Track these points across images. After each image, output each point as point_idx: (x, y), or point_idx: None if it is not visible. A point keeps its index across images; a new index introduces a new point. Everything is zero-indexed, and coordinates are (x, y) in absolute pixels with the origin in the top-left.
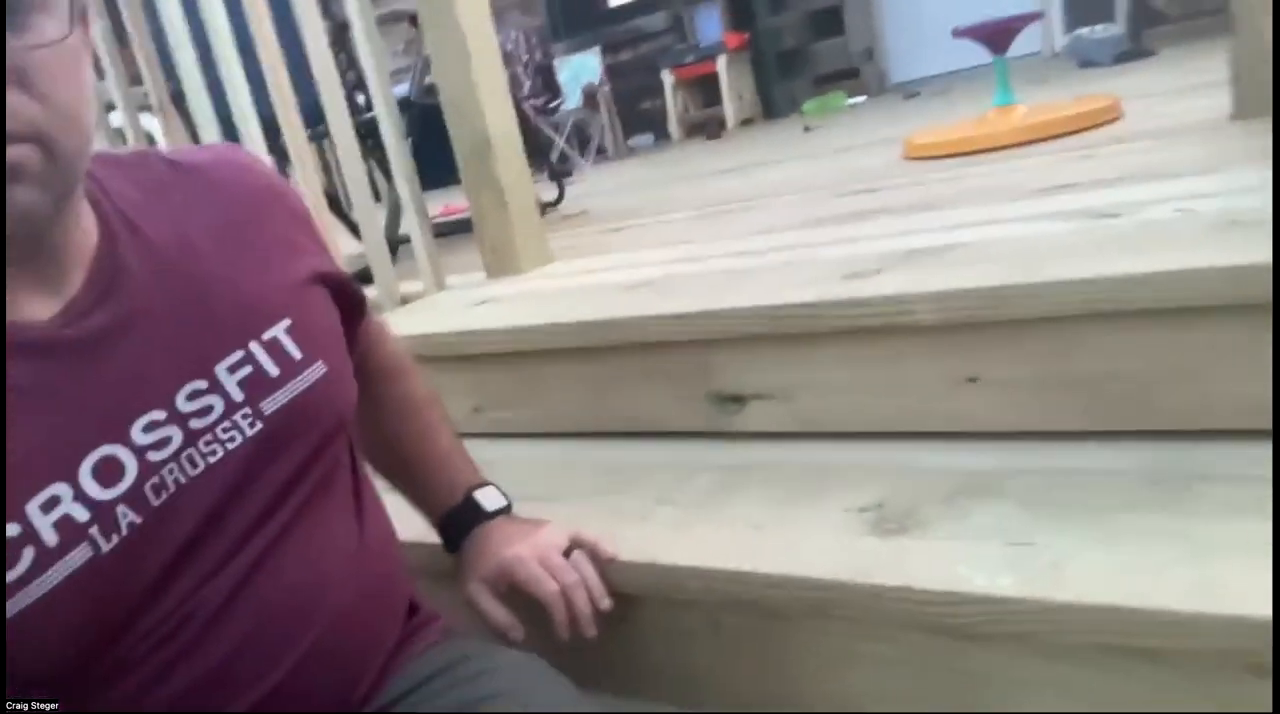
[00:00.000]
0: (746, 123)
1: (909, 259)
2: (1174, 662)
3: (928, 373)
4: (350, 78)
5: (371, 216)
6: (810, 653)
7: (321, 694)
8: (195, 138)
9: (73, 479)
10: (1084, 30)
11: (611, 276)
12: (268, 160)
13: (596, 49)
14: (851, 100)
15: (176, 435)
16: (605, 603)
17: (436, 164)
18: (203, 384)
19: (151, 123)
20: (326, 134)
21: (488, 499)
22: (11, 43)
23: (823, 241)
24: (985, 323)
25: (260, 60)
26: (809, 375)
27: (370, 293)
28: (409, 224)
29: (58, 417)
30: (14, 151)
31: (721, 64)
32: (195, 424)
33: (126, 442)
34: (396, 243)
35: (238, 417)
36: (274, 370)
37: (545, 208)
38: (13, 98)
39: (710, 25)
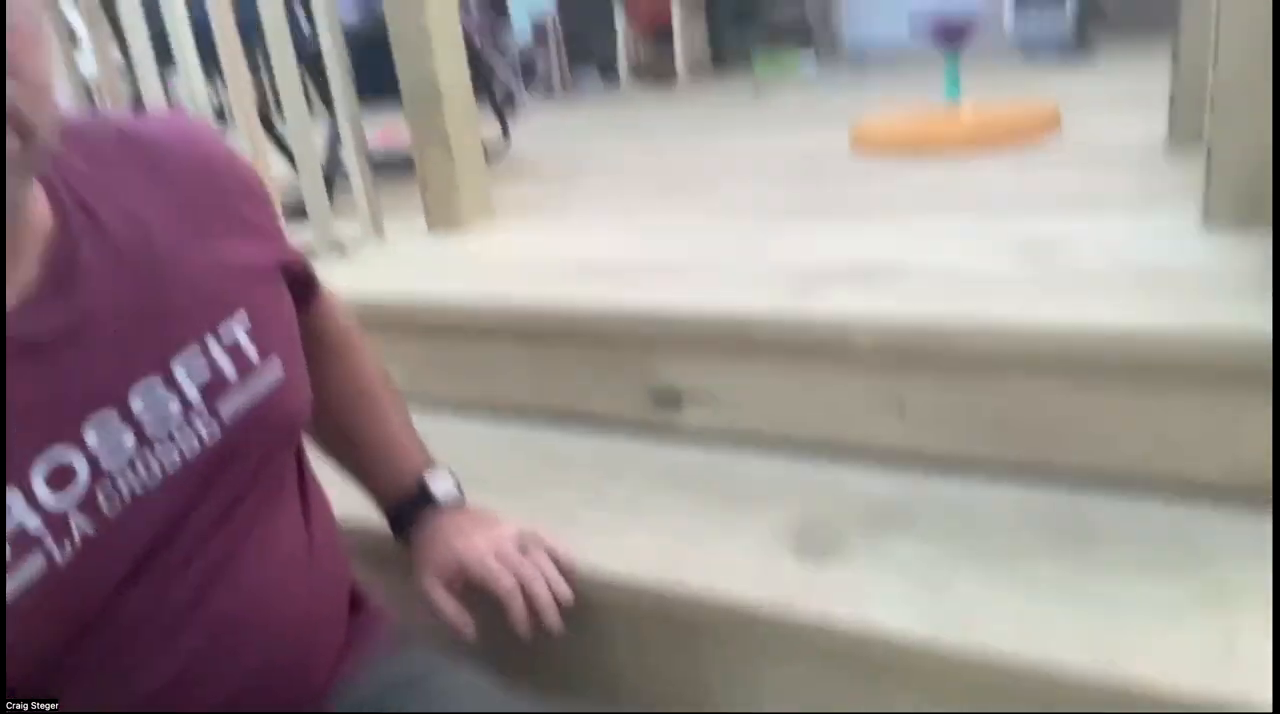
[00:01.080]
0: (697, 72)
1: (853, 274)
2: None
3: (859, 394)
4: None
5: (309, 146)
6: (725, 669)
7: (276, 698)
8: (122, 42)
9: (25, 484)
10: (1033, 12)
11: (558, 251)
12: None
13: None
14: (804, 64)
15: (129, 439)
16: (565, 593)
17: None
18: (157, 380)
19: (74, 17)
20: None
21: (440, 488)
22: None
23: (771, 237)
24: (919, 353)
25: None
26: (746, 382)
27: (305, 235)
28: (348, 164)
29: (10, 419)
30: None
31: (675, 7)
32: (150, 427)
33: (78, 443)
34: (334, 176)
35: (196, 421)
36: (231, 372)
37: (488, 151)
38: None
39: None
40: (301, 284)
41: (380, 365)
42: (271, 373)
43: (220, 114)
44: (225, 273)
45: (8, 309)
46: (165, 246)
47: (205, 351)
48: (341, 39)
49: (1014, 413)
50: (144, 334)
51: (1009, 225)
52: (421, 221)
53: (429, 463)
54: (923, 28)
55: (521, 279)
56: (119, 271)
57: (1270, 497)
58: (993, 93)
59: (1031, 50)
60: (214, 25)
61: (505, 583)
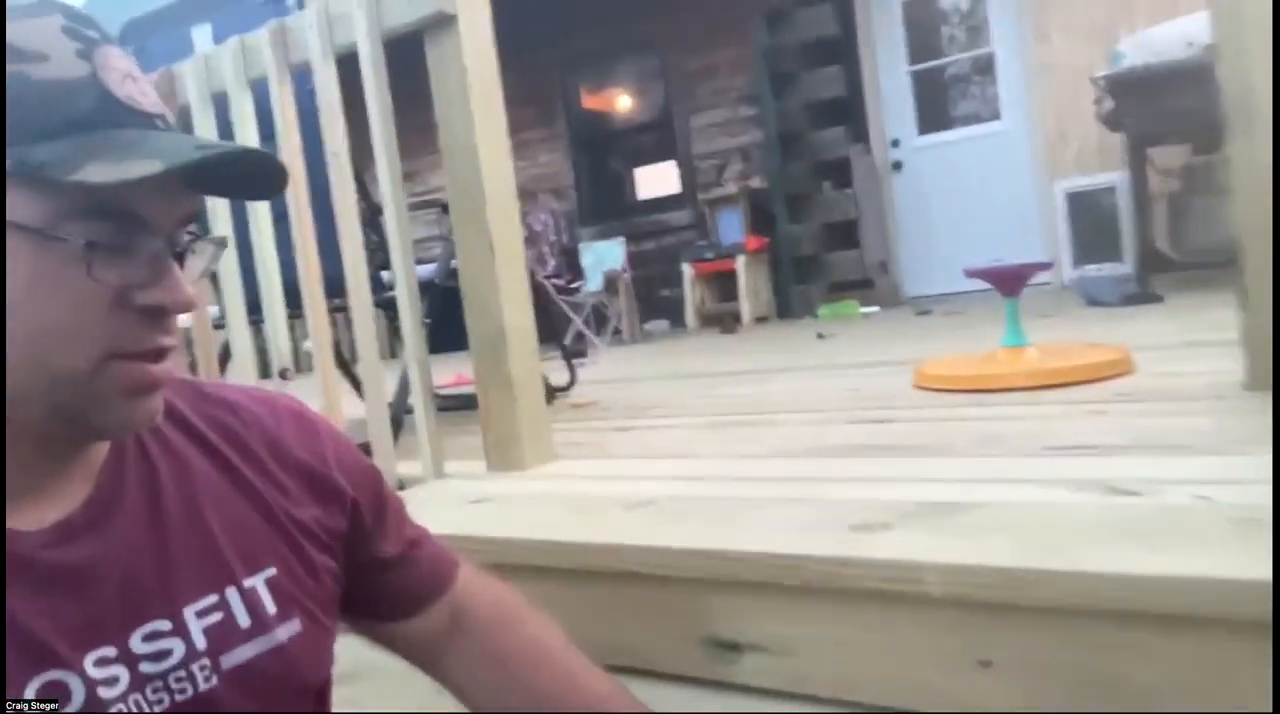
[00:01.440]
0: (761, 320)
1: (919, 515)
2: None
3: (934, 647)
4: (380, 257)
5: (378, 388)
6: None
7: None
8: (217, 291)
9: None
10: (1091, 268)
11: (613, 488)
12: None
13: (621, 238)
14: (865, 309)
15: (124, 676)
16: None
17: (454, 336)
18: (166, 625)
19: None
20: (345, 308)
21: None
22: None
23: (832, 476)
24: (998, 604)
25: (292, 229)
26: (810, 631)
27: None
28: (415, 406)
29: (12, 638)
30: (168, 364)
31: (740, 263)
32: (146, 668)
33: (79, 671)
34: (401, 417)
35: (194, 667)
36: (245, 621)
37: (555, 392)
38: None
39: (732, 226)
40: (426, 571)
41: (560, 631)
42: (286, 630)
43: (300, 362)
44: (264, 528)
45: (40, 525)
46: (208, 496)
47: (223, 602)
48: (416, 291)
49: (1106, 673)
50: (164, 578)
51: (1086, 465)
52: (484, 462)
53: None
54: (979, 277)
55: (573, 517)
56: (156, 515)
57: None
58: (1057, 335)
59: (1094, 298)
60: (301, 280)
61: None
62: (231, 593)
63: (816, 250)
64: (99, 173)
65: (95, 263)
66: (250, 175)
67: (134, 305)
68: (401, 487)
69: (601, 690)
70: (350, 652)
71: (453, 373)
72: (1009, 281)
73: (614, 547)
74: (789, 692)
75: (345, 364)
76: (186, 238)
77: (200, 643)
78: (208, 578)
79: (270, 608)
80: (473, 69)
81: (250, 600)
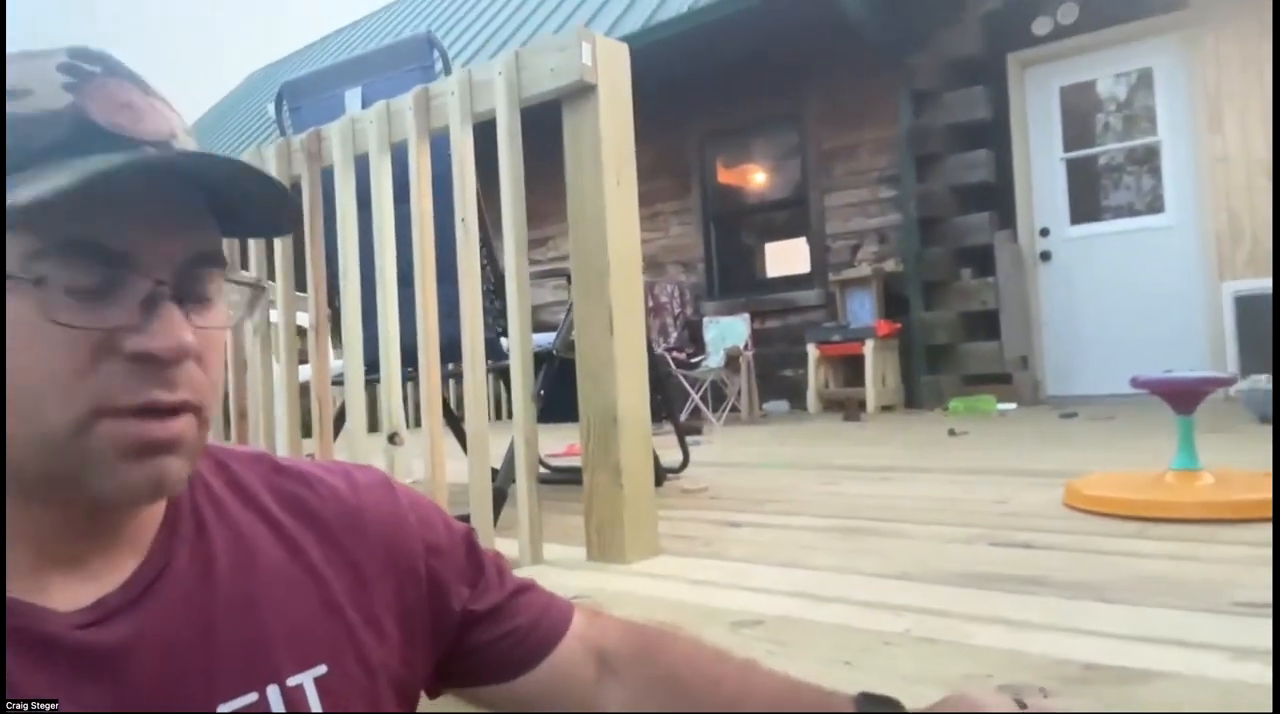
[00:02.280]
0: (887, 408)
1: (1085, 681)
2: None
3: None
4: (501, 323)
5: (483, 460)
6: None
7: None
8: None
9: None
10: (1261, 378)
11: (720, 598)
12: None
13: (746, 315)
14: (1001, 406)
15: None
16: None
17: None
18: None
19: (303, 318)
20: (457, 374)
21: (883, 703)
22: (195, 320)
23: (973, 614)
24: None
25: (416, 296)
26: None
27: None
28: (519, 486)
29: None
30: (180, 422)
31: (869, 348)
32: None
33: None
34: (505, 491)
35: None
36: None
37: (665, 474)
38: (191, 368)
39: (862, 309)
40: (541, 615)
41: (710, 646)
42: None
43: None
44: (325, 619)
45: (76, 604)
46: (265, 579)
47: (262, 701)
48: (530, 364)
49: None
50: (202, 670)
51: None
52: (584, 548)
53: (847, 697)
54: (1149, 389)
55: (673, 628)
56: (204, 597)
57: None
58: (1229, 457)
59: (1266, 415)
60: (419, 341)
61: None
62: (273, 692)
63: (952, 340)
64: (24, 193)
65: (62, 305)
66: (251, 202)
67: (121, 353)
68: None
69: (775, 688)
70: None
71: (565, 443)
72: (1184, 398)
73: None
74: None
75: (454, 420)
76: (201, 279)
77: None
78: (251, 672)
79: (315, 709)
80: (608, 139)
81: (293, 700)
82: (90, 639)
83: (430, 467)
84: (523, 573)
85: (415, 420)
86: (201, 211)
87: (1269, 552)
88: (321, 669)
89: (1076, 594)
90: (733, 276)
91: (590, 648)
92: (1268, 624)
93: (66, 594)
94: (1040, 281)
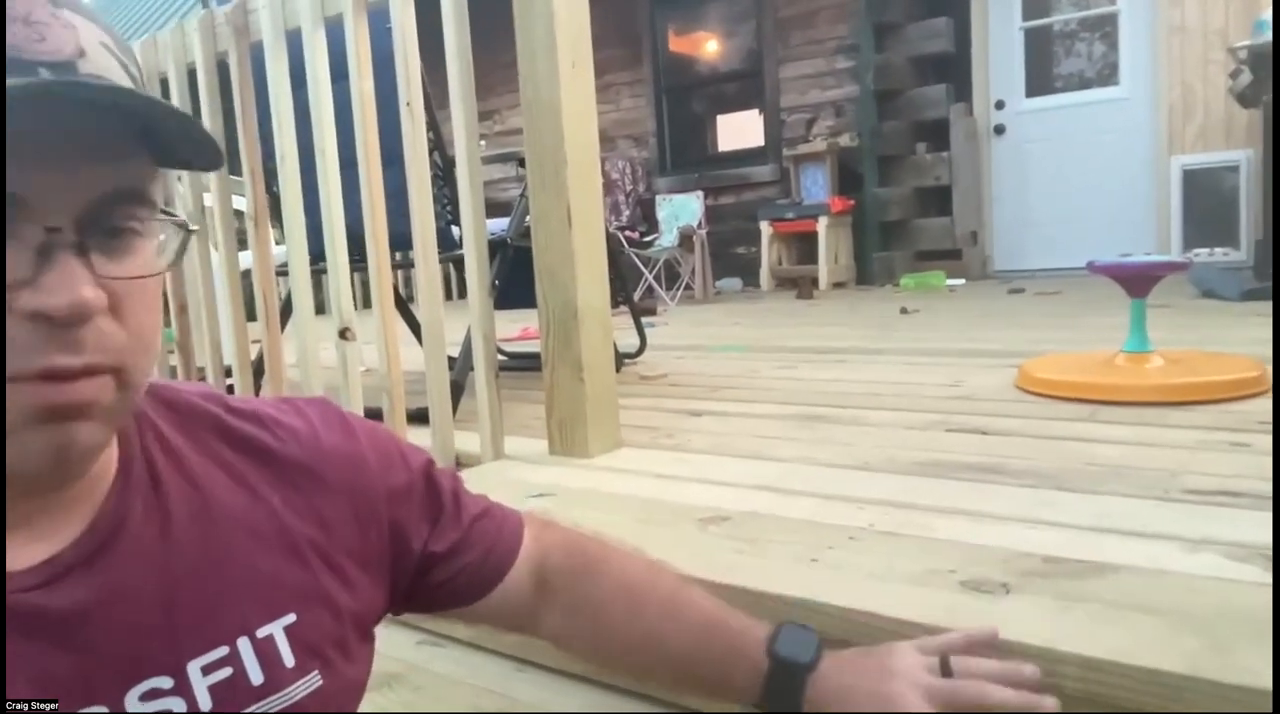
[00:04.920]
0: (839, 285)
1: (1043, 574)
2: None
3: None
4: (452, 211)
5: (440, 354)
6: None
7: None
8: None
9: None
10: (1203, 252)
11: (684, 494)
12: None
13: (699, 193)
14: (951, 282)
15: None
16: (1026, 673)
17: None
18: (167, 682)
19: (241, 202)
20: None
21: (796, 646)
22: (110, 269)
23: (935, 506)
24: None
25: (361, 183)
26: None
27: (426, 442)
28: (477, 381)
29: None
30: (92, 385)
31: (822, 225)
32: None
33: None
34: (463, 383)
35: None
36: (257, 677)
37: (623, 360)
38: (104, 324)
39: (816, 185)
40: (492, 547)
41: (649, 559)
42: (303, 687)
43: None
44: (288, 571)
45: (27, 567)
46: (226, 530)
47: (234, 655)
48: (485, 257)
49: None
50: (168, 628)
51: (1238, 523)
52: (545, 440)
53: (764, 628)
54: (1105, 274)
55: (641, 531)
56: (163, 553)
57: None
58: (1176, 336)
59: (1211, 290)
60: (366, 229)
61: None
62: (244, 644)
63: (904, 216)
64: None
65: None
66: (173, 134)
67: (15, 313)
68: (459, 464)
69: (697, 617)
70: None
71: (520, 326)
72: (1139, 282)
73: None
74: None
75: (405, 305)
76: (115, 221)
77: (205, 702)
78: (218, 626)
79: (288, 661)
80: (561, 14)
81: (264, 652)
82: (43, 600)
83: (386, 361)
84: (484, 470)
85: (364, 301)
86: (120, 144)
87: (1217, 436)
88: (290, 618)
89: (1034, 483)
90: (685, 151)
91: (534, 568)
92: (1218, 513)
93: (14, 554)
94: (993, 156)
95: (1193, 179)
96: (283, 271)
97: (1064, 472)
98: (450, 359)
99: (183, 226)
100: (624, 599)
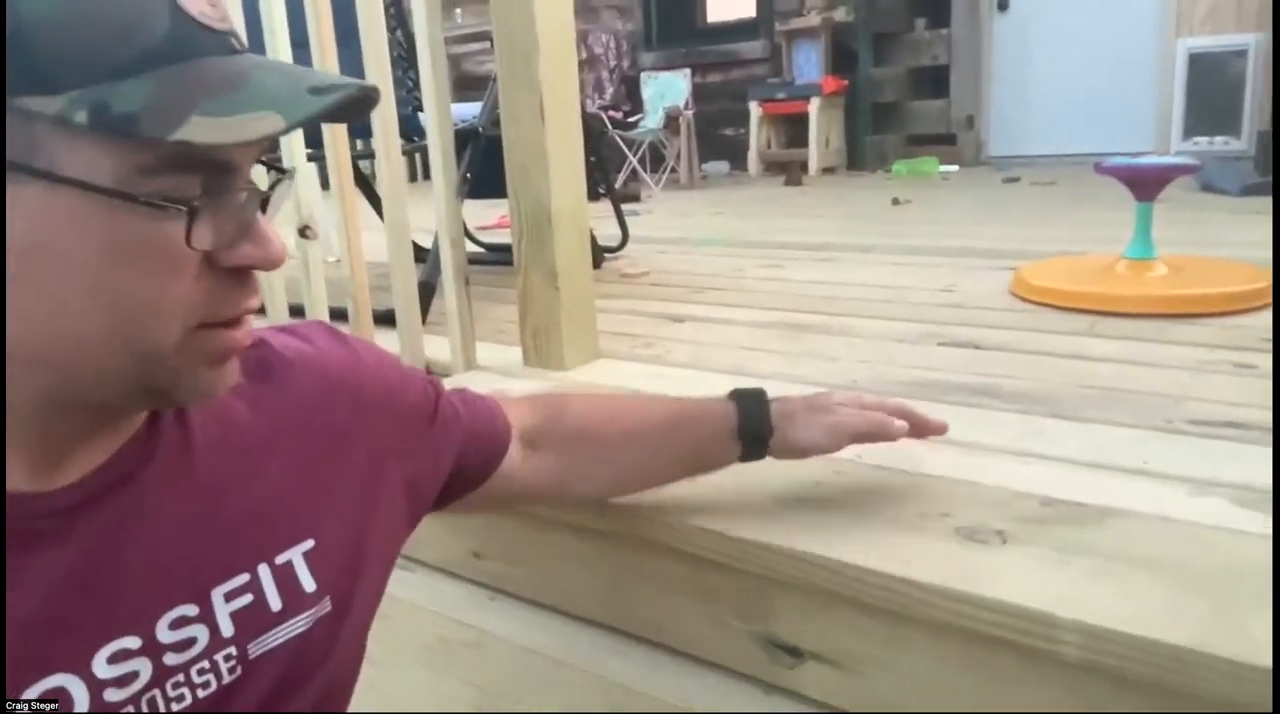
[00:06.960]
0: (828, 171)
1: (1041, 522)
2: None
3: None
4: (416, 96)
5: (406, 254)
6: None
7: None
8: None
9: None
10: (1203, 140)
11: None
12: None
13: (686, 71)
14: (944, 169)
15: (145, 670)
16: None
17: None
18: (193, 610)
19: None
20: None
21: (751, 400)
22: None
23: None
24: (1150, 684)
25: (314, 63)
26: (887, 655)
27: (394, 348)
28: (447, 290)
29: (11, 633)
30: (248, 330)
31: (814, 106)
32: (171, 659)
33: (84, 673)
34: (434, 284)
35: (219, 657)
36: (276, 603)
37: (603, 254)
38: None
39: (808, 63)
40: (475, 465)
41: (625, 399)
42: (319, 612)
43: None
44: (305, 496)
45: (54, 485)
46: (242, 460)
47: (254, 582)
48: (451, 152)
49: None
50: (192, 557)
51: (1245, 461)
52: (519, 351)
53: (725, 401)
54: (1114, 176)
55: None
56: (186, 485)
57: None
58: (1177, 233)
59: (1211, 183)
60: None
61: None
62: (264, 571)
63: (899, 97)
64: (209, 129)
65: (176, 223)
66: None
67: (221, 267)
68: (429, 372)
69: (664, 407)
70: None
71: (498, 214)
72: (1148, 185)
73: (665, 526)
74: (846, 712)
75: (367, 183)
76: (269, 178)
77: (227, 629)
78: (240, 553)
79: (307, 586)
80: None
81: (284, 579)
82: (57, 525)
83: (349, 263)
84: (456, 381)
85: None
86: None
87: (1220, 355)
88: (309, 543)
89: (1028, 408)
90: (673, 24)
91: (518, 435)
92: (1223, 448)
93: (42, 478)
94: (995, 34)
95: (1199, 63)
96: None
97: (1060, 395)
98: (421, 250)
99: (290, 174)
100: (598, 416)
